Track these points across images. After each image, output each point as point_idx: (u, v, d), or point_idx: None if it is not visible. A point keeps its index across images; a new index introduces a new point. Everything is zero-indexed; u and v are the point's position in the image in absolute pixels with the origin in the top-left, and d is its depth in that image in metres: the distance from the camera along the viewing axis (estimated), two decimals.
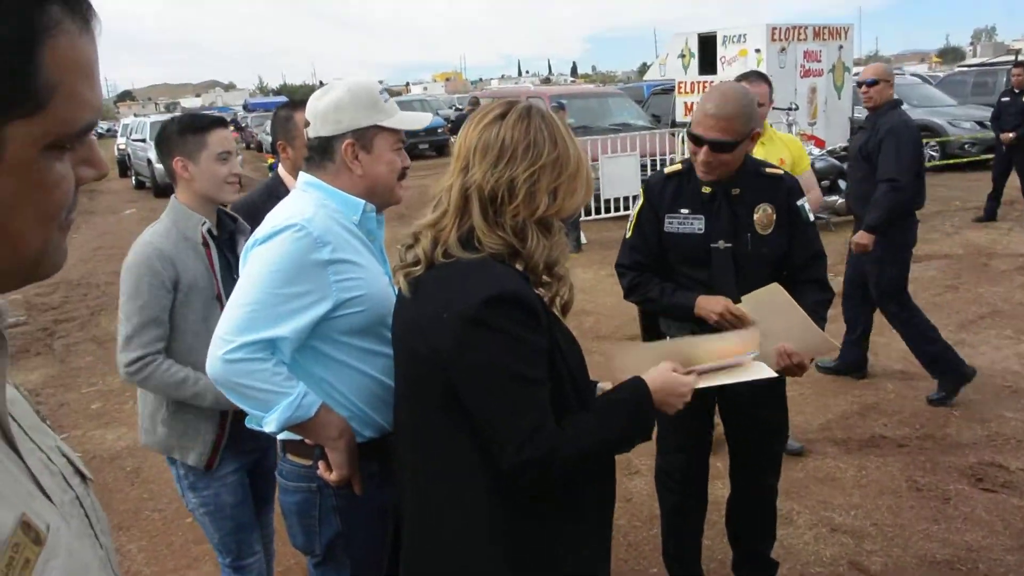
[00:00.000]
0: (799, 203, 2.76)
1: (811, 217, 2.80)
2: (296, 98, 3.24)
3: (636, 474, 4.15)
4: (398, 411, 1.77)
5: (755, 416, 2.90)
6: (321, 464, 1.88)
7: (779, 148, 4.10)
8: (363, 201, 1.92)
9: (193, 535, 3.88)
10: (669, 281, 2.81)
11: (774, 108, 11.23)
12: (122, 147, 23.09)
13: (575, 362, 1.70)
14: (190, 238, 2.41)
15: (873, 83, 4.93)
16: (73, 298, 9.37)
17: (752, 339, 2.07)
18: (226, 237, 2.55)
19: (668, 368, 1.77)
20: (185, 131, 2.42)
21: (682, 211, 2.76)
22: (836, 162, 9.77)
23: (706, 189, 2.73)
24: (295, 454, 1.96)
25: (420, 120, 2.06)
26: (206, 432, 2.41)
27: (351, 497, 1.91)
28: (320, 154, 1.95)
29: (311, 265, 1.77)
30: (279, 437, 1.98)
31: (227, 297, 2.36)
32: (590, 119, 13.29)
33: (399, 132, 1.96)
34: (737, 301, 2.61)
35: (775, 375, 2.03)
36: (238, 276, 2.43)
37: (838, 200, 9.74)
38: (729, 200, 2.73)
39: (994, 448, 4.27)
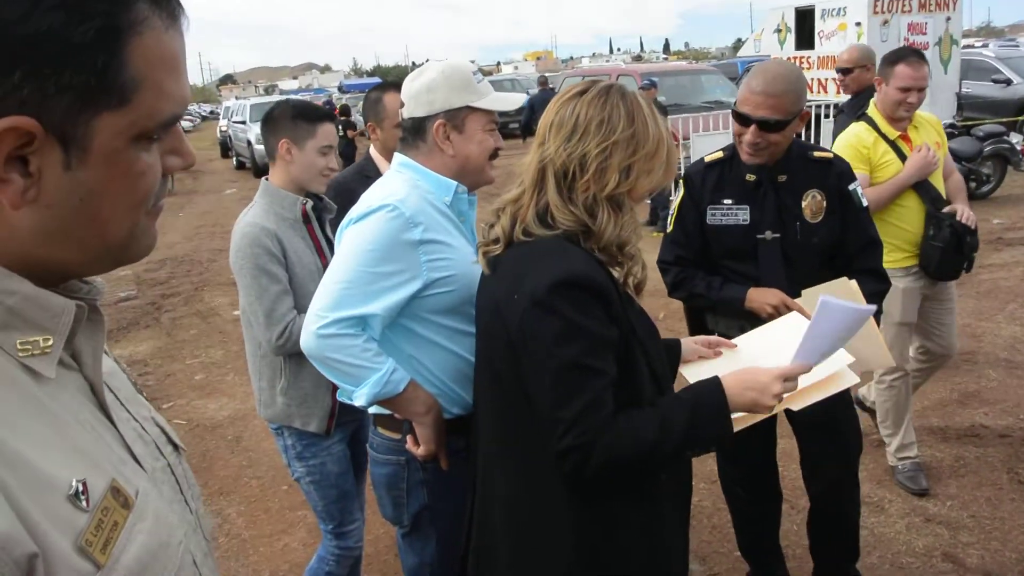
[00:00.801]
0: (851, 187, 2.61)
1: (863, 202, 2.65)
2: (387, 80, 3.33)
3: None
4: (478, 389, 1.82)
5: (824, 425, 2.65)
6: (409, 438, 1.95)
7: (931, 131, 3.69)
8: (455, 182, 1.97)
9: (289, 501, 4.06)
10: (716, 275, 2.66)
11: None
12: (224, 129, 23.92)
13: (654, 351, 1.70)
14: (287, 218, 2.50)
15: (847, 71, 4.81)
16: (178, 274, 9.84)
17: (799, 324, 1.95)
18: (317, 214, 2.63)
19: (758, 368, 1.68)
20: (298, 117, 2.52)
21: (725, 201, 2.60)
22: None
23: (750, 177, 2.58)
24: (385, 427, 2.03)
25: (512, 101, 2.07)
26: (323, 399, 2.49)
27: (438, 471, 1.98)
28: (413, 134, 2.01)
29: (403, 245, 1.82)
30: (371, 411, 2.07)
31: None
32: (682, 97, 13.08)
33: (491, 113, 1.99)
34: (792, 296, 2.46)
35: (858, 380, 1.89)
36: (332, 252, 2.54)
37: None
38: (776, 187, 2.57)
39: None
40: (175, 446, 0.96)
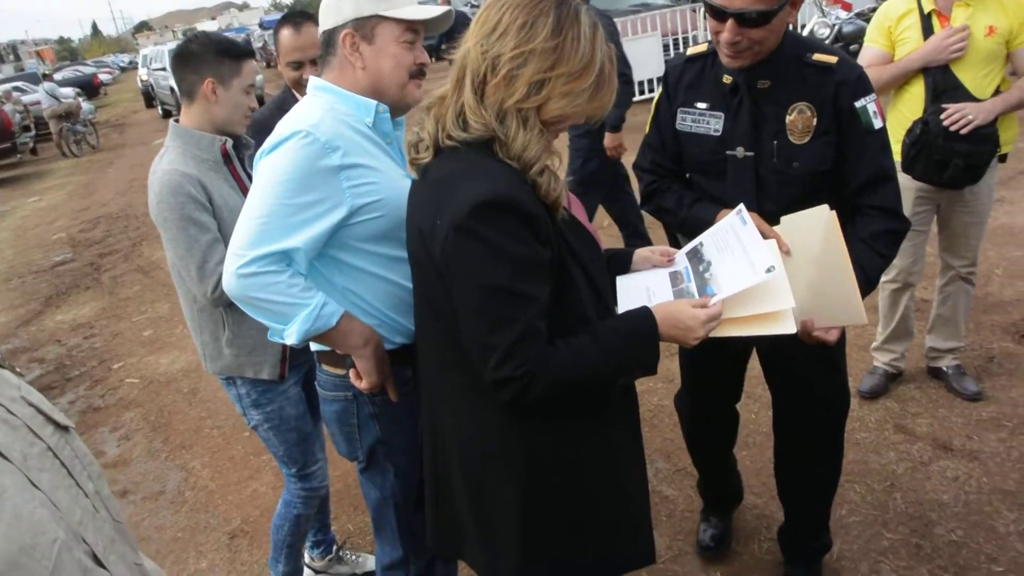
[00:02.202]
0: (859, 104, 2.05)
1: (877, 124, 2.07)
2: (293, 12, 3.16)
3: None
4: (417, 318, 1.77)
5: (800, 381, 2.34)
6: (352, 372, 1.90)
7: (993, 13, 3.04)
8: (375, 102, 1.86)
9: (252, 447, 4.04)
10: (689, 190, 2.30)
11: None
12: (144, 78, 23.02)
13: (594, 266, 1.64)
14: (206, 159, 2.37)
15: None
16: (114, 231, 9.55)
17: (765, 254, 1.71)
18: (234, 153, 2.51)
19: (682, 302, 1.66)
20: (222, 54, 2.35)
21: (699, 105, 2.19)
22: (865, 24, 9.30)
23: (726, 79, 2.14)
24: (328, 364, 1.99)
25: (429, 11, 1.90)
26: (273, 344, 2.42)
27: (387, 404, 1.95)
28: (326, 49, 1.90)
29: (321, 172, 1.73)
30: (313, 348, 2.02)
31: None
32: (609, 2, 12.78)
33: (407, 23, 1.86)
34: (774, 223, 2.04)
35: (794, 331, 1.66)
36: None
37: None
38: (754, 95, 2.11)
39: None
40: (58, 425, 0.88)
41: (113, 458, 4.28)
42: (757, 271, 1.67)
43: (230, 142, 2.41)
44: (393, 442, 2.00)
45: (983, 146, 3.01)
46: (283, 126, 1.80)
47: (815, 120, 2.07)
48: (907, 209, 3.19)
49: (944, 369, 3.58)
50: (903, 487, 3.00)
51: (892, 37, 3.20)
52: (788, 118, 2.09)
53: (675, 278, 1.87)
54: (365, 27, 1.84)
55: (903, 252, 3.38)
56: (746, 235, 1.82)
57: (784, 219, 2.03)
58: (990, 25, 3.01)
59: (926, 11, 3.10)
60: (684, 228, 2.18)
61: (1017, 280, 4.47)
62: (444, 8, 1.99)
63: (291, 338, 1.76)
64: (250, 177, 2.44)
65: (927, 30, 3.09)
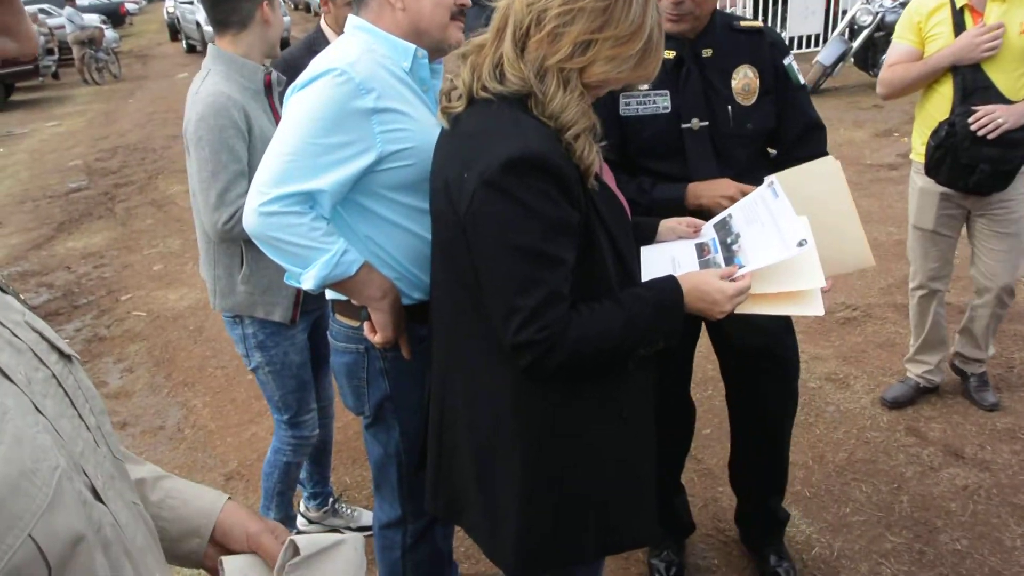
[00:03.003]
0: (786, 61, 2.21)
1: (801, 79, 2.25)
2: None
3: None
4: (434, 273, 1.71)
5: (754, 348, 2.31)
6: (367, 325, 1.84)
7: None
8: (414, 46, 1.78)
9: (255, 391, 4.01)
10: (645, 175, 2.22)
11: None
12: (171, 10, 22.75)
13: (621, 234, 1.58)
14: (248, 88, 2.31)
15: None
16: (131, 163, 9.49)
17: (797, 227, 1.65)
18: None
19: (710, 273, 1.61)
20: None
21: (641, 87, 2.15)
22: None
23: (669, 54, 2.10)
24: (343, 314, 1.93)
25: None
26: (288, 286, 2.35)
27: (399, 360, 1.89)
28: None
29: (353, 113, 1.66)
30: (328, 297, 1.96)
31: None
32: None
33: None
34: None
35: (822, 312, 1.62)
36: None
37: None
38: (700, 65, 2.15)
39: None
40: (62, 354, 0.83)
41: (115, 389, 4.26)
42: (788, 245, 1.62)
43: (275, 74, 2.36)
44: (401, 400, 1.95)
45: (1013, 151, 2.86)
46: (318, 63, 1.73)
47: (758, 80, 2.17)
48: (930, 213, 3.18)
49: (968, 375, 3.47)
50: (910, 491, 2.94)
51: (922, 33, 3.03)
52: (734, 82, 2.16)
53: (701, 249, 1.82)
54: None
55: (927, 255, 3.27)
56: (777, 208, 1.77)
57: (783, 174, 1.98)
58: None
59: (958, 6, 2.93)
60: (651, 213, 2.07)
61: None
62: None
63: (308, 283, 1.70)
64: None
65: (959, 26, 2.92)
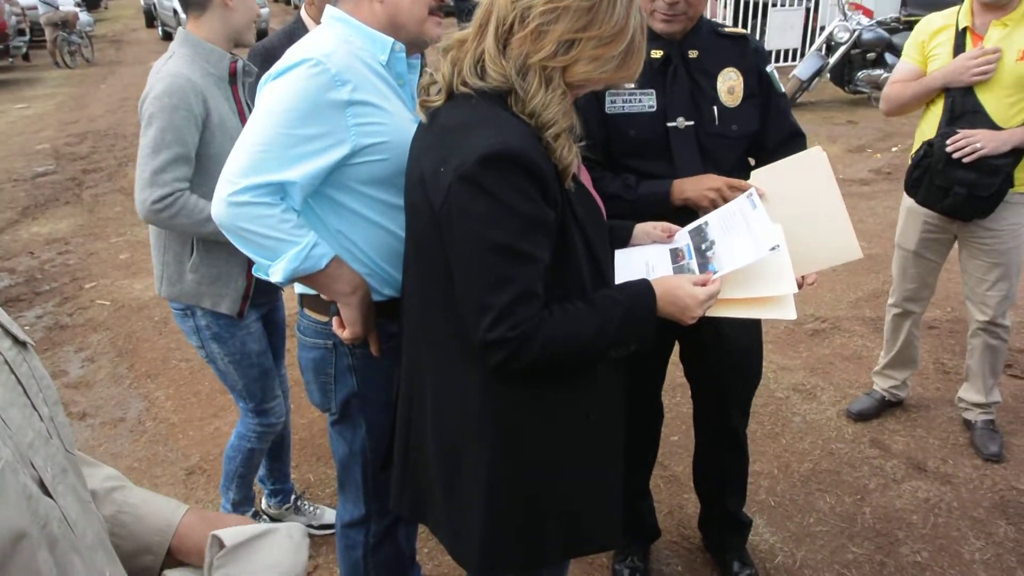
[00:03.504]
0: (768, 69, 2.25)
1: (782, 87, 2.28)
2: None
3: None
4: (405, 269, 1.69)
5: (721, 356, 2.34)
6: (335, 321, 1.81)
7: None
8: (391, 39, 1.75)
9: (219, 385, 3.93)
10: (630, 173, 2.21)
11: None
12: None
13: (596, 235, 1.58)
14: (212, 74, 2.27)
15: None
16: (101, 148, 9.32)
17: (771, 233, 1.68)
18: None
19: (683, 278, 1.62)
20: None
21: (626, 85, 2.14)
22: (885, 34, 9.24)
23: (656, 53, 2.12)
24: (312, 309, 1.90)
25: None
26: (238, 278, 2.35)
27: (368, 357, 1.86)
28: None
29: (327, 105, 1.63)
30: (297, 291, 1.93)
31: None
32: None
33: None
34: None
35: (794, 316, 1.64)
36: None
37: (883, 74, 9.29)
38: (687, 66, 2.16)
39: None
40: (16, 340, 0.80)
41: (75, 379, 4.17)
42: (760, 248, 1.63)
43: (240, 61, 2.32)
44: (369, 397, 1.92)
45: (989, 177, 2.82)
46: (293, 52, 1.70)
47: (742, 84, 2.19)
48: (914, 234, 3.18)
49: (972, 422, 3.33)
50: (873, 502, 2.97)
51: (925, 52, 3.03)
52: (719, 83, 2.18)
53: (676, 255, 1.83)
54: None
55: (905, 275, 3.27)
56: (754, 217, 1.79)
57: (760, 172, 2.05)
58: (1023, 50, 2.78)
59: (960, 27, 2.92)
60: (637, 210, 2.07)
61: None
62: None
63: (276, 276, 1.67)
64: (250, 104, 2.34)
65: (958, 48, 2.91)
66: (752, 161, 2.30)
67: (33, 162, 8.85)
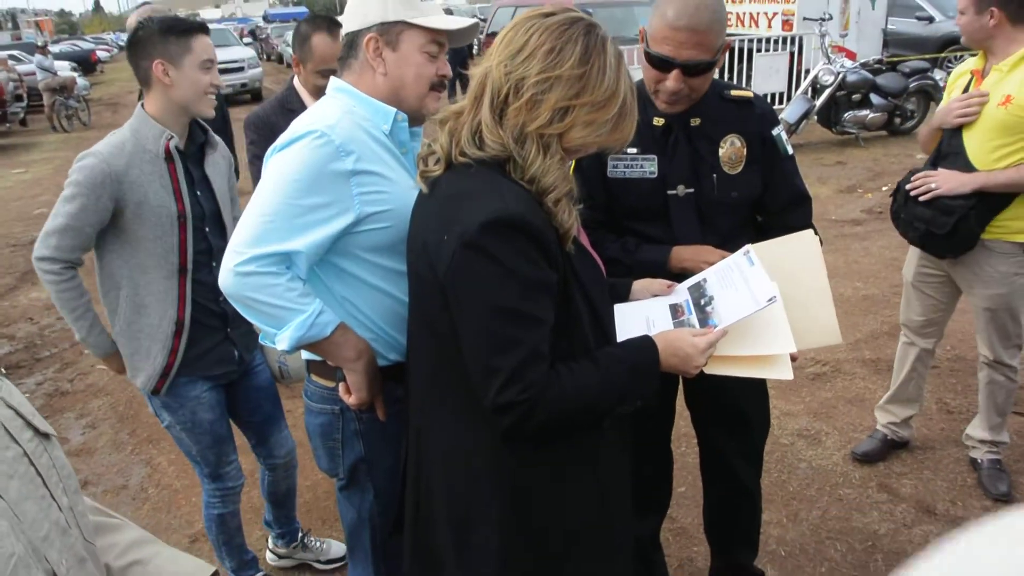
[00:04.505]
0: (774, 132, 2.24)
1: (789, 150, 2.28)
2: (318, 14, 3.10)
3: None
4: (411, 334, 1.71)
5: (726, 402, 2.34)
6: (342, 386, 1.82)
7: (1019, 79, 2.83)
8: (394, 109, 1.80)
9: None
10: (630, 236, 2.24)
11: (805, 18, 10.90)
12: None
13: (598, 295, 1.61)
14: (149, 150, 2.28)
15: None
16: None
17: (768, 287, 1.70)
18: (195, 150, 2.43)
19: (684, 331, 1.65)
20: (167, 33, 2.25)
21: (629, 150, 2.17)
22: (868, 75, 9.42)
23: (658, 121, 2.16)
24: (318, 375, 1.91)
25: (456, 22, 1.85)
26: (157, 354, 2.36)
27: (374, 422, 1.87)
28: (347, 51, 1.84)
29: (332, 175, 1.66)
30: (304, 357, 1.94)
31: (193, 214, 2.32)
32: (615, 28, 12.84)
33: (432, 33, 1.80)
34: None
35: (791, 377, 1.68)
36: (201, 193, 2.39)
37: (869, 115, 9.45)
38: (688, 134, 2.17)
39: None
40: (38, 431, 0.81)
41: (77, 446, 4.14)
42: (758, 300, 1.66)
43: (175, 140, 2.31)
44: (376, 462, 1.92)
45: (944, 216, 2.90)
46: (298, 124, 1.74)
47: (745, 150, 2.20)
48: (912, 265, 3.26)
49: (979, 461, 3.31)
50: (885, 548, 2.94)
51: (950, 94, 3.12)
52: (721, 151, 2.19)
53: (676, 310, 1.85)
54: (390, 33, 1.79)
55: (909, 306, 3.32)
56: (751, 274, 1.81)
57: (761, 245, 2.00)
58: (1008, 94, 2.81)
59: (971, 69, 3.02)
60: (633, 275, 2.05)
61: None
62: (469, 19, 1.93)
63: (283, 343, 1.68)
64: (190, 180, 2.37)
65: (966, 91, 3.00)
66: (759, 219, 2.32)
67: (31, 227, 8.89)
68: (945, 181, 2.90)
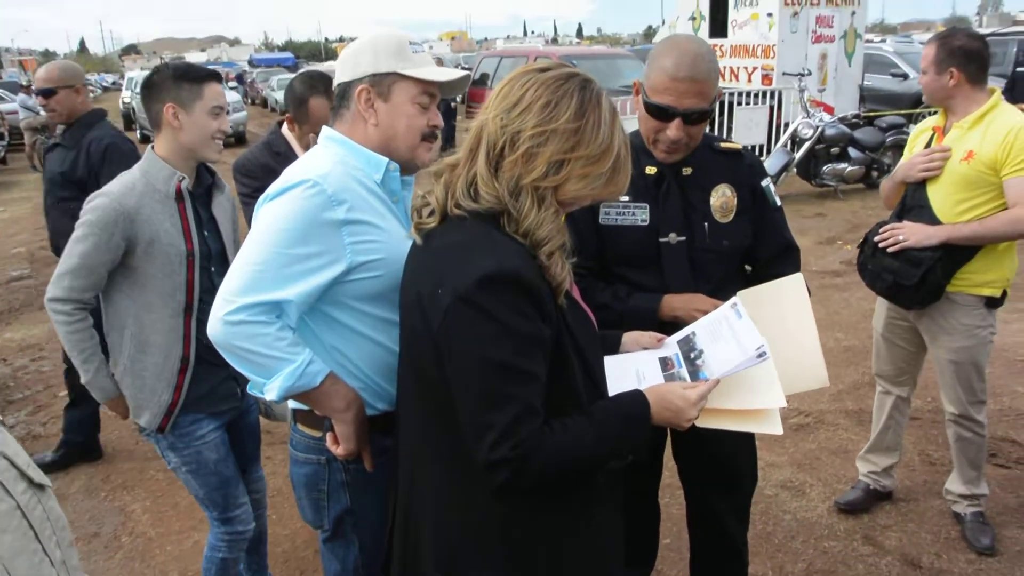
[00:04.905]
0: (763, 183, 2.29)
1: (777, 200, 2.33)
2: (315, 79, 3.10)
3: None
4: (401, 386, 1.69)
5: (714, 455, 2.32)
6: (329, 436, 1.80)
7: (980, 135, 2.92)
8: (386, 159, 1.80)
9: None
10: (621, 283, 2.26)
11: (784, 73, 11.13)
12: (127, 100, 22.93)
13: (589, 349, 1.60)
14: (160, 190, 2.34)
15: (51, 92, 3.84)
16: None
17: (757, 339, 1.71)
18: (202, 191, 2.49)
19: (674, 385, 1.65)
20: (181, 79, 2.33)
21: (621, 198, 2.15)
22: (847, 129, 9.63)
23: (650, 170, 2.19)
24: (305, 424, 1.88)
25: (447, 73, 1.87)
26: (162, 392, 2.37)
27: (361, 472, 1.84)
28: (340, 101, 1.85)
29: (324, 224, 1.66)
30: (291, 406, 1.91)
31: (201, 253, 2.37)
32: (600, 79, 13.02)
33: (423, 85, 1.82)
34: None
35: (780, 432, 1.69)
36: (208, 233, 2.44)
37: (847, 168, 9.62)
38: (680, 182, 2.21)
39: (1007, 423, 4.21)
40: (32, 482, 0.80)
41: None
42: (747, 351, 1.67)
43: (186, 182, 2.38)
44: (362, 514, 1.88)
45: (912, 268, 2.96)
46: (291, 173, 1.74)
47: (735, 199, 2.24)
48: (881, 317, 3.32)
49: (961, 515, 3.30)
50: None
51: (911, 150, 3.22)
52: (712, 200, 2.23)
53: (665, 363, 1.85)
54: (382, 84, 1.80)
55: (880, 356, 3.39)
56: (740, 326, 1.82)
57: (744, 293, 2.05)
58: (970, 150, 2.90)
59: (933, 126, 3.13)
60: (624, 322, 2.06)
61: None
62: (459, 71, 1.96)
63: (271, 393, 1.66)
64: (198, 219, 2.42)
65: (927, 146, 3.09)
66: (748, 269, 2.35)
67: (8, 266, 8.80)
68: (912, 233, 2.97)
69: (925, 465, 3.86)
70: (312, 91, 3.01)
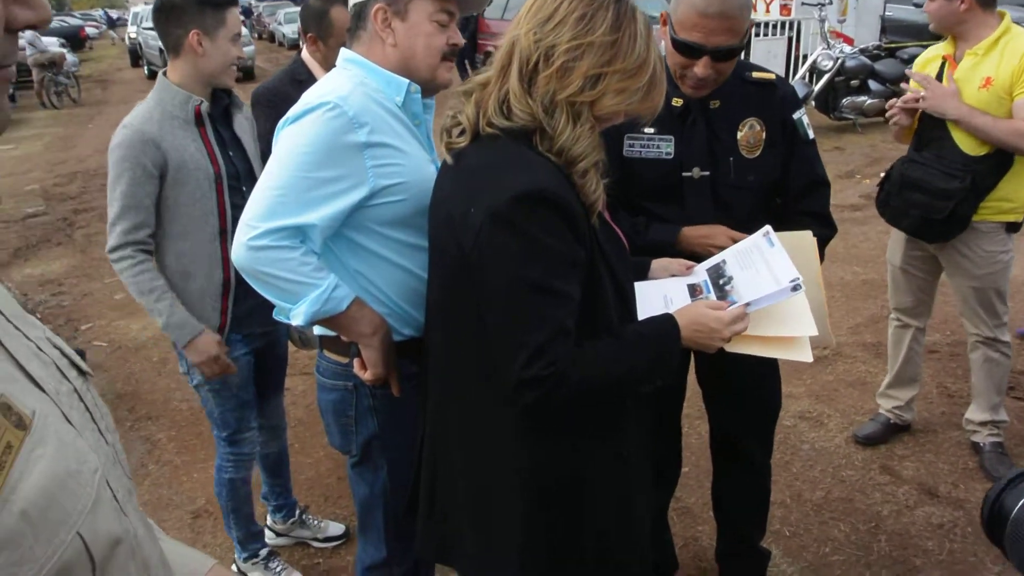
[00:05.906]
0: (795, 116, 2.20)
1: (811, 133, 2.24)
2: None
3: None
4: (430, 309, 1.68)
5: (741, 379, 2.27)
6: (356, 362, 1.80)
7: (995, 60, 2.87)
8: (407, 80, 1.76)
9: None
10: (642, 214, 2.21)
11: (804, 3, 10.84)
12: (133, 36, 22.67)
13: (622, 271, 1.59)
14: (178, 116, 2.32)
15: None
16: (91, 188, 9.30)
17: (792, 270, 1.67)
18: (220, 112, 2.47)
19: (702, 304, 1.64)
20: (204, 4, 2.27)
21: (646, 130, 2.13)
22: (867, 61, 9.39)
23: (677, 101, 2.12)
24: (331, 350, 1.89)
25: None
26: (210, 316, 2.40)
27: (388, 398, 1.85)
28: (356, 22, 1.81)
29: (345, 147, 1.63)
30: (316, 332, 1.91)
31: (228, 174, 2.36)
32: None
33: (441, 2, 1.76)
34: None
35: (811, 360, 1.68)
36: (233, 152, 2.42)
37: (867, 100, 9.42)
38: (707, 116, 2.14)
39: None
40: (80, 371, 0.82)
41: None
42: (781, 283, 1.64)
43: (205, 104, 2.36)
44: (390, 439, 1.90)
45: (941, 201, 2.92)
46: (310, 95, 1.71)
47: (764, 133, 2.16)
48: (899, 250, 3.26)
49: (980, 445, 3.30)
50: (888, 529, 2.95)
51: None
52: (739, 134, 2.15)
53: (694, 289, 1.84)
54: (399, 3, 1.75)
55: (898, 289, 3.35)
56: (772, 255, 1.79)
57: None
58: (987, 77, 2.86)
59: (942, 56, 3.05)
60: (644, 254, 2.02)
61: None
62: None
63: (297, 319, 1.66)
64: (221, 141, 2.41)
65: (939, 76, 3.02)
66: (779, 201, 2.30)
67: (23, 203, 8.82)
68: (934, 99, 2.91)
69: (943, 397, 3.87)
70: (331, 2, 2.92)
